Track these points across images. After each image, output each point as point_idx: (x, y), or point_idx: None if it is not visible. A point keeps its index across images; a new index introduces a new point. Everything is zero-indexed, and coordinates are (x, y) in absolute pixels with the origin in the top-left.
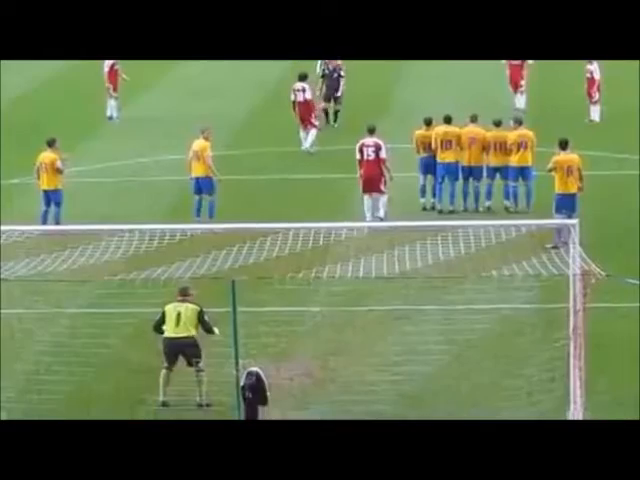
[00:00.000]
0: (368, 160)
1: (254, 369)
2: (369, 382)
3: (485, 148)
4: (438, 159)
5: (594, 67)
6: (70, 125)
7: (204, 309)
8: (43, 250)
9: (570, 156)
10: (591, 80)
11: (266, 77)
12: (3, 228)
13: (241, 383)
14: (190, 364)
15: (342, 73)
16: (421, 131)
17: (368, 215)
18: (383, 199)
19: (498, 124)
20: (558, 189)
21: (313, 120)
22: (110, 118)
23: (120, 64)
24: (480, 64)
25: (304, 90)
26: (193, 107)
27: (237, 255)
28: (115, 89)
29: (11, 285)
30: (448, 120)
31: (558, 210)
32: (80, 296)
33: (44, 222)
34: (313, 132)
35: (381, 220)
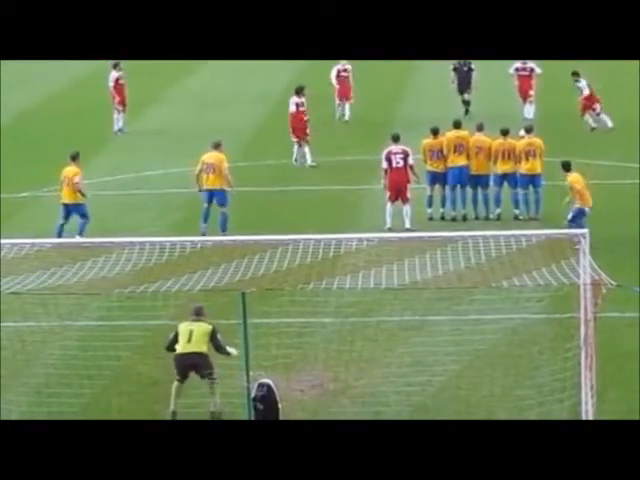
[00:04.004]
0: (397, 167)
1: (265, 381)
2: (380, 393)
3: (492, 157)
4: (449, 164)
5: (583, 84)
6: (79, 138)
7: (217, 328)
8: (54, 263)
9: (578, 175)
10: (586, 97)
11: (273, 89)
12: (14, 241)
13: (252, 395)
14: (203, 377)
15: (472, 66)
16: (428, 140)
17: (389, 221)
18: (407, 208)
19: (505, 133)
20: (581, 204)
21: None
22: (118, 132)
23: (125, 78)
24: (488, 74)
25: (292, 103)
26: (200, 120)
27: (247, 267)
28: (121, 102)
29: (22, 298)
30: (458, 125)
31: (575, 221)
32: (90, 309)
33: (59, 235)
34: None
35: (409, 231)
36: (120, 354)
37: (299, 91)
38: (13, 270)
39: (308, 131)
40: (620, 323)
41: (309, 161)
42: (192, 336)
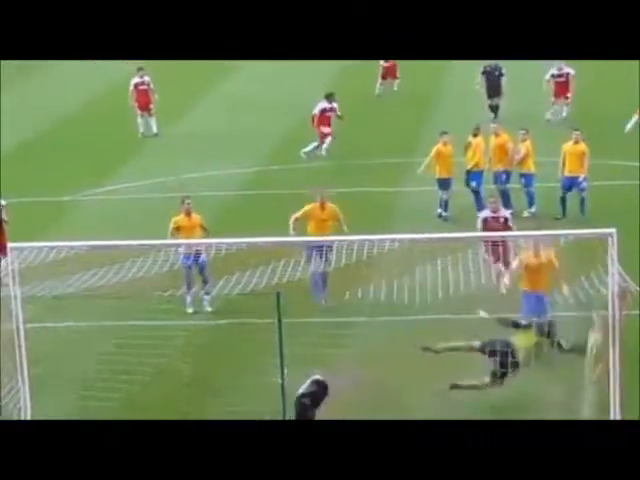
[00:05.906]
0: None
1: (320, 379)
2: (414, 392)
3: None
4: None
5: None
6: (118, 142)
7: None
8: (93, 265)
9: None
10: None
11: (306, 91)
12: (54, 244)
13: (301, 390)
14: None
15: (503, 71)
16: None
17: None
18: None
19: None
20: None
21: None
22: (145, 135)
23: (149, 83)
24: (522, 75)
25: (318, 107)
26: (236, 123)
27: (284, 269)
28: (141, 107)
29: (62, 300)
30: (478, 130)
31: None
32: (129, 309)
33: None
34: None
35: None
36: (159, 355)
37: (328, 96)
38: (53, 272)
39: (329, 130)
40: None
41: (323, 151)
42: None
